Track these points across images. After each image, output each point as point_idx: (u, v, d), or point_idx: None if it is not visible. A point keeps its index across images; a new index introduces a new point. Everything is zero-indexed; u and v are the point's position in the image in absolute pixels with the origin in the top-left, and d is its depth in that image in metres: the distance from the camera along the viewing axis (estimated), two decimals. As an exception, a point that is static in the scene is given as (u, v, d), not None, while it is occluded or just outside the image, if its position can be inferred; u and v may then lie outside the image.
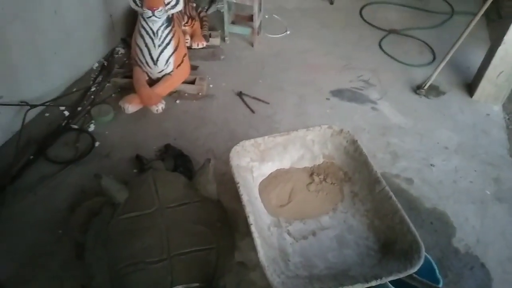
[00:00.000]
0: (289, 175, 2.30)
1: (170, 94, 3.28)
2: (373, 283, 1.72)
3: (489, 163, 3.03)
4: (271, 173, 2.29)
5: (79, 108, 3.09)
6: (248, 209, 1.90)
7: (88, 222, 2.18)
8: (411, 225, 1.89)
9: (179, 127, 3.07)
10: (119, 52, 3.72)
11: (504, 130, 3.34)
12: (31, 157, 2.70)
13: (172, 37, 3.10)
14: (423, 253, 1.80)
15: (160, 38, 3.03)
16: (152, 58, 3.10)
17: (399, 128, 3.26)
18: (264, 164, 2.27)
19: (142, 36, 3.04)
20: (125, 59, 3.64)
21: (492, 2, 3.13)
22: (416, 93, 3.62)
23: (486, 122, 3.40)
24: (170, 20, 3.04)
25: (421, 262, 1.77)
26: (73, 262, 2.20)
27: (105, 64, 3.53)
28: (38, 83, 2.96)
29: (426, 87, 3.59)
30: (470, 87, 3.71)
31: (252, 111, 3.25)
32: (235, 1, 3.74)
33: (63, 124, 2.95)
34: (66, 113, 3.05)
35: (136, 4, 2.89)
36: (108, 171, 2.67)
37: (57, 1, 2.93)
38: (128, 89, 3.21)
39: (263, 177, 2.26)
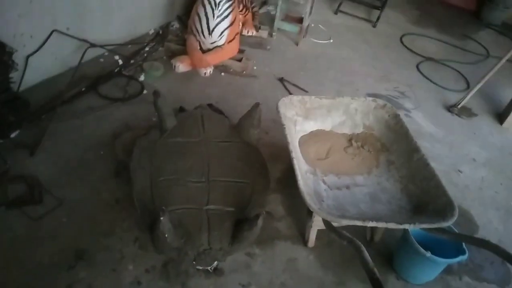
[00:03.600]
0: (329, 136, 2.39)
1: (217, 66, 3.45)
2: (406, 226, 1.76)
3: (515, 181, 3.08)
4: (312, 131, 2.39)
5: (132, 61, 3.26)
6: (291, 147, 1.99)
7: (132, 144, 2.27)
8: (447, 189, 1.95)
9: (221, 95, 3.21)
10: (174, 26, 3.94)
11: (531, 157, 3.40)
12: (83, 89, 2.84)
13: (231, 12, 3.31)
14: (456, 212, 1.84)
15: (220, 10, 3.24)
16: (208, 27, 3.30)
17: (431, 135, 3.35)
18: (307, 121, 2.37)
19: (203, 6, 3.26)
20: (178, 32, 3.85)
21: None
22: (449, 111, 3.73)
23: (514, 147, 3.48)
24: (232, -4, 3.26)
25: (454, 219, 1.81)
26: (111, 179, 2.29)
27: (160, 32, 3.74)
28: (100, 30, 3.16)
29: (459, 106, 3.70)
30: (500, 117, 3.81)
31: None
32: (289, -1, 3.98)
33: (116, 70, 3.11)
34: (120, 62, 3.22)
35: (205, -26, 3.13)
36: (152, 115, 2.79)
37: (134, -40, 3.20)
38: (179, 55, 3.39)
39: (304, 133, 2.36)
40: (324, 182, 2.12)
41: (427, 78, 4.19)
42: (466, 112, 3.74)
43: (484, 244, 1.67)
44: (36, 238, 1.95)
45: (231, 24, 3.36)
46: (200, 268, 1.94)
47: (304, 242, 2.19)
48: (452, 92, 4.05)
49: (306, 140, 2.33)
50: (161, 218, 1.65)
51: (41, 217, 2.03)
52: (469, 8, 6.22)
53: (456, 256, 1.98)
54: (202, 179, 2.03)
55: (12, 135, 2.39)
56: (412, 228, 1.78)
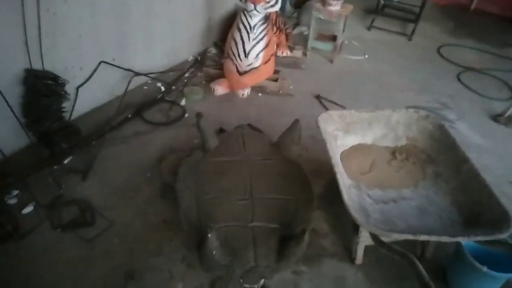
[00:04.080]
0: (371, 149, 2.36)
1: (254, 87, 3.52)
2: (460, 239, 1.69)
3: None
4: (353, 145, 2.37)
5: (174, 87, 3.40)
6: (334, 161, 1.98)
7: (176, 166, 2.34)
8: (500, 199, 1.86)
9: (259, 114, 3.26)
10: (211, 52, 4.08)
11: None
12: (129, 115, 2.98)
13: (266, 34, 3.39)
14: (513, 223, 1.75)
15: (255, 33, 3.34)
16: (244, 50, 3.39)
17: (478, 146, 3.22)
18: (347, 135, 2.36)
19: (239, 30, 3.36)
20: (215, 57, 3.98)
21: None
22: (495, 120, 3.59)
23: None
24: (266, 18, 3.35)
25: (511, 230, 1.72)
26: (157, 200, 2.37)
27: (198, 58, 3.88)
28: (143, 59, 3.33)
29: (506, 115, 3.56)
30: (553, 125, 3.62)
31: (329, 111, 3.38)
32: (322, 17, 4.03)
33: (159, 96, 3.25)
34: (162, 88, 3.37)
35: (240, 0, 3.24)
36: (195, 137, 2.89)
37: (172, -8, 3.37)
38: (217, 79, 3.50)
39: (345, 147, 2.34)
40: (369, 196, 2.08)
41: (469, 88, 4.07)
42: (513, 121, 3.59)
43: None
44: (89, 259, 2.03)
45: (266, 46, 3.44)
46: (248, 286, 1.93)
47: (352, 259, 2.14)
48: (496, 101, 3.90)
49: (348, 154, 2.31)
50: (209, 235, 1.68)
51: (93, 238, 2.12)
52: (508, 15, 6.03)
53: (515, 270, 1.87)
54: (246, 196, 2.06)
55: (65, 161, 2.53)
56: (467, 241, 1.70)
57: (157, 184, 2.45)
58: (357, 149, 2.36)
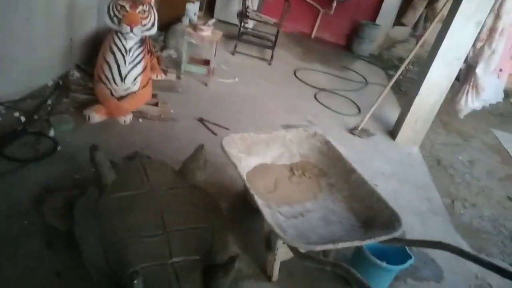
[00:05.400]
0: (272, 168, 2.46)
1: (134, 113, 3.30)
2: (368, 242, 1.90)
3: (419, 187, 3.55)
4: (256, 166, 2.43)
5: (36, 117, 2.93)
6: (248, 184, 2.00)
7: (64, 208, 2.03)
8: (388, 202, 2.16)
9: (145, 141, 3.07)
10: (74, 75, 3.67)
11: (424, 165, 3.97)
12: (-16, 154, 2.45)
13: (143, 57, 3.24)
14: (402, 221, 2.04)
15: (132, 56, 3.15)
16: (120, 74, 3.17)
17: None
18: (250, 157, 2.40)
19: (113, 53, 3.13)
20: (81, 81, 3.60)
21: (395, 81, 4.04)
22: (351, 133, 4.15)
23: (409, 158, 4.02)
24: (142, 41, 3.21)
25: (402, 228, 2.01)
26: (44, 251, 1.99)
27: (60, 83, 3.45)
28: (-5, 84, 2.80)
29: (359, 128, 4.16)
30: (392, 133, 4.38)
31: (214, 134, 3.41)
32: (194, 42, 4.06)
33: (20, 128, 2.76)
34: (22, 118, 2.87)
35: (113, 22, 3.02)
36: (74, 172, 2.55)
37: (30, 9, 2.94)
38: (87, 105, 3.16)
39: (249, 169, 2.38)
40: (281, 213, 2.16)
41: (326, 107, 4.62)
42: (365, 133, 4.21)
43: (438, 245, 1.89)
44: None
45: (144, 69, 3.28)
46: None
47: (267, 277, 2.17)
48: (348, 116, 4.53)
49: (253, 176, 2.36)
50: (135, 281, 1.49)
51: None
52: (340, 43, 7.13)
53: (401, 262, 2.18)
54: (158, 231, 1.90)
55: None
56: (373, 242, 1.91)
57: (41, 232, 2.06)
58: (260, 169, 2.42)
